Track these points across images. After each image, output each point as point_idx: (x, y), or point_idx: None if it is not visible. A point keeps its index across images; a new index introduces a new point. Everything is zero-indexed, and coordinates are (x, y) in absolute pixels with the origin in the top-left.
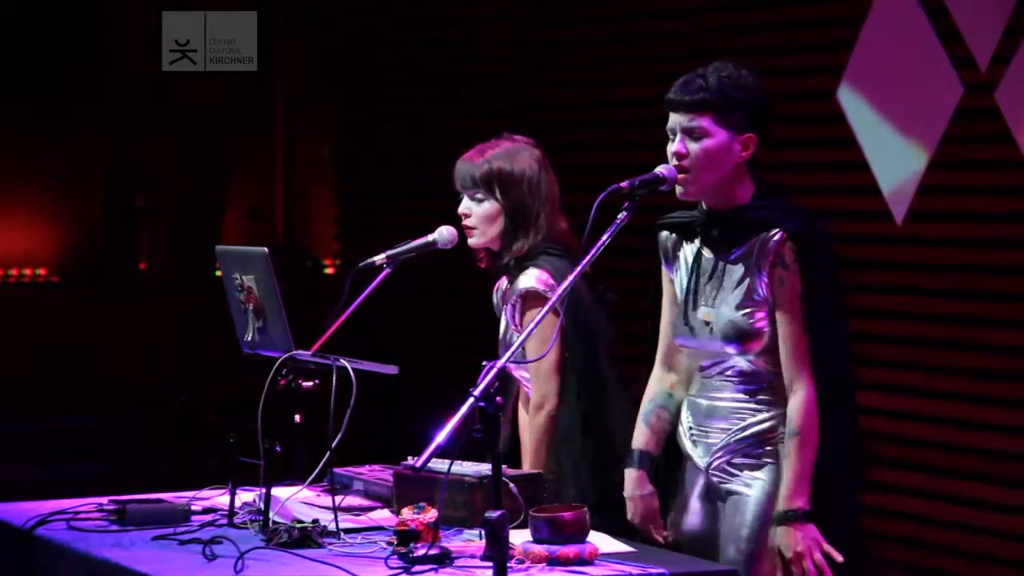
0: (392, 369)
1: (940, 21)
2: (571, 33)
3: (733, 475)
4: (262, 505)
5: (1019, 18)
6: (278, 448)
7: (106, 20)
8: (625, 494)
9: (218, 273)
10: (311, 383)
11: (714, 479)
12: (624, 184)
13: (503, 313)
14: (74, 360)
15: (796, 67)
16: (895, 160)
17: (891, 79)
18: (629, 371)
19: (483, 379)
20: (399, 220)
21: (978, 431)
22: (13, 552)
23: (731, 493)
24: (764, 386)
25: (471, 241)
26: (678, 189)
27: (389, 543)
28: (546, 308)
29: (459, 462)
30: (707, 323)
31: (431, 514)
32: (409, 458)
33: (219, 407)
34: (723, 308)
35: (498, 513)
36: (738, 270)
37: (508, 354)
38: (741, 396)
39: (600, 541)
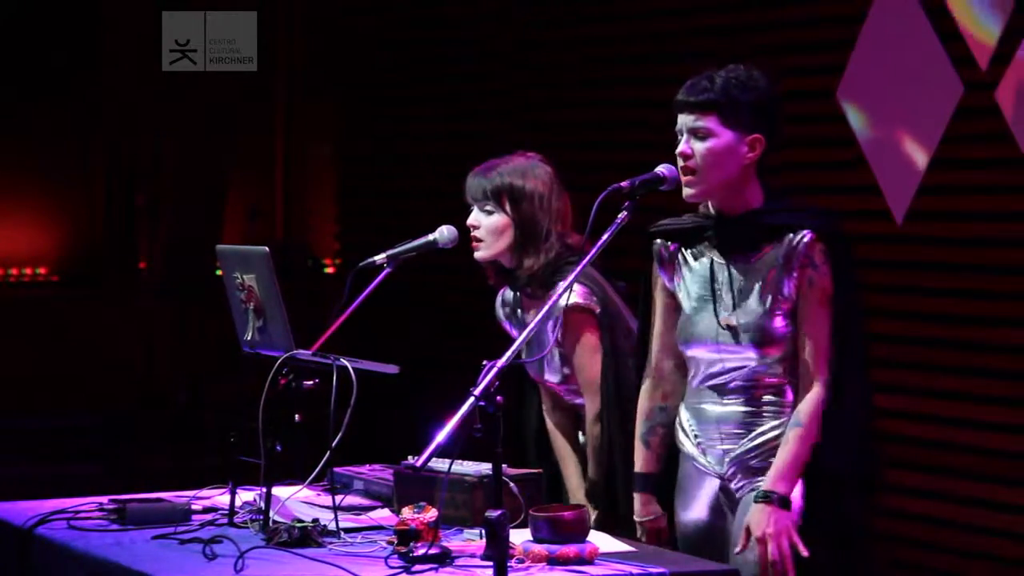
0: (392, 369)
1: (940, 21)
2: (571, 33)
3: (747, 480)
4: (262, 504)
5: (1019, 18)
6: (278, 447)
7: (106, 20)
8: (635, 517)
9: (218, 273)
10: (311, 383)
11: (730, 485)
12: (624, 184)
13: (517, 326)
14: (74, 360)
15: (796, 67)
16: (895, 159)
17: (891, 79)
18: None
19: (483, 379)
20: (399, 220)
21: (978, 430)
22: (13, 551)
23: (745, 493)
24: (776, 393)
25: (477, 254)
26: (685, 190)
27: (389, 542)
28: (546, 308)
29: (459, 461)
30: (728, 328)
31: (431, 513)
32: (409, 458)
33: (219, 407)
34: (747, 312)
35: (498, 512)
36: (760, 274)
37: (509, 353)
38: (755, 403)
39: (600, 541)
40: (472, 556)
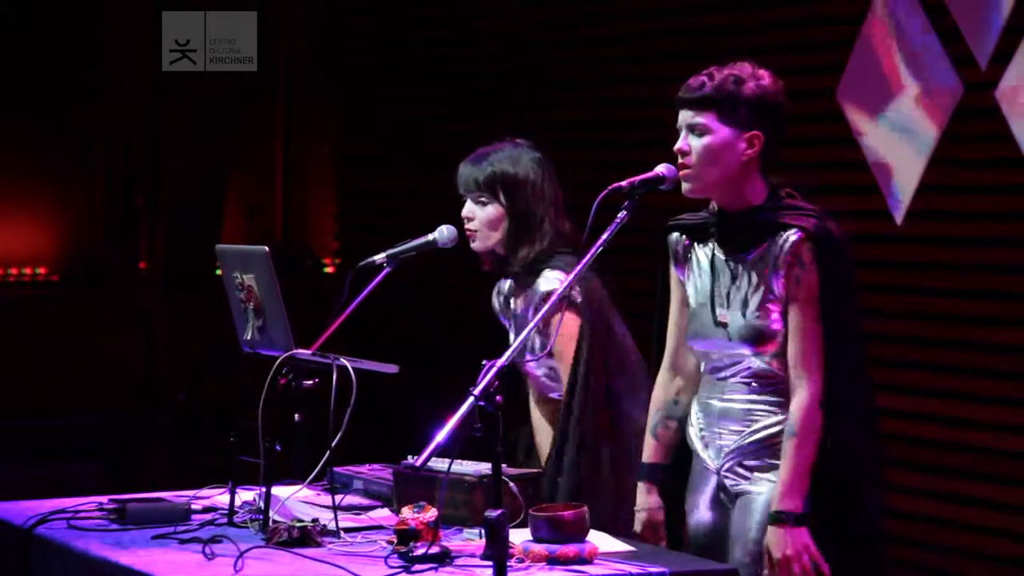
0: (392, 369)
1: (940, 21)
2: (571, 33)
3: (744, 477)
4: (262, 504)
5: (1019, 18)
6: (278, 447)
7: (106, 20)
8: (635, 507)
9: (218, 272)
10: (311, 382)
11: (726, 481)
12: (624, 184)
13: (510, 317)
14: (74, 360)
15: (796, 66)
16: (895, 159)
17: (891, 78)
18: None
19: (483, 378)
20: (399, 220)
21: (978, 430)
22: (13, 551)
23: (741, 494)
24: (777, 388)
25: (474, 245)
26: (683, 186)
27: (389, 542)
28: (546, 307)
29: (459, 461)
30: (724, 324)
31: (431, 513)
32: (409, 457)
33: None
34: (740, 309)
35: (498, 512)
36: (754, 271)
37: (509, 353)
38: (754, 398)
39: (600, 540)
40: (472, 556)
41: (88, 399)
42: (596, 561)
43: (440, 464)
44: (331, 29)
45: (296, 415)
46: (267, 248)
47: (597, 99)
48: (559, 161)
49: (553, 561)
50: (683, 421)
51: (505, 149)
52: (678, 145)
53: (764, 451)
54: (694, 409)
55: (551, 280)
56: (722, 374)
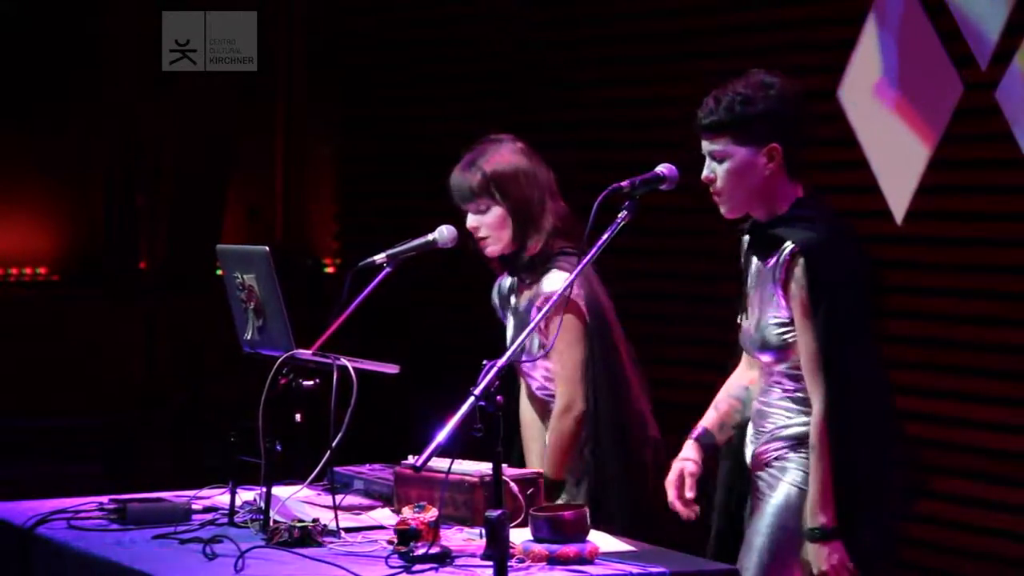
0: (392, 369)
1: (940, 21)
2: (571, 33)
3: (766, 476)
4: (262, 504)
5: (1019, 18)
6: (278, 447)
7: (106, 20)
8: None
9: (218, 272)
10: (311, 382)
11: (756, 479)
12: (624, 184)
13: (511, 315)
14: (74, 360)
15: (796, 67)
16: (895, 159)
17: (891, 78)
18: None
19: (483, 378)
20: (399, 220)
21: (978, 430)
22: (14, 551)
23: (760, 492)
24: (795, 394)
25: (489, 251)
26: (721, 210)
27: (389, 542)
28: (547, 307)
29: (459, 461)
30: (747, 332)
31: (431, 513)
32: (409, 457)
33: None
34: (755, 318)
35: (498, 512)
36: (765, 283)
37: (509, 352)
38: (787, 401)
39: (600, 540)
40: (472, 556)
41: (88, 399)
42: (596, 561)
43: (441, 464)
44: (331, 29)
45: (296, 415)
46: (267, 248)
47: (597, 99)
48: (559, 161)
49: (553, 561)
50: (747, 410)
51: (488, 149)
52: (703, 175)
53: (785, 451)
54: (751, 414)
55: (555, 280)
56: (763, 374)
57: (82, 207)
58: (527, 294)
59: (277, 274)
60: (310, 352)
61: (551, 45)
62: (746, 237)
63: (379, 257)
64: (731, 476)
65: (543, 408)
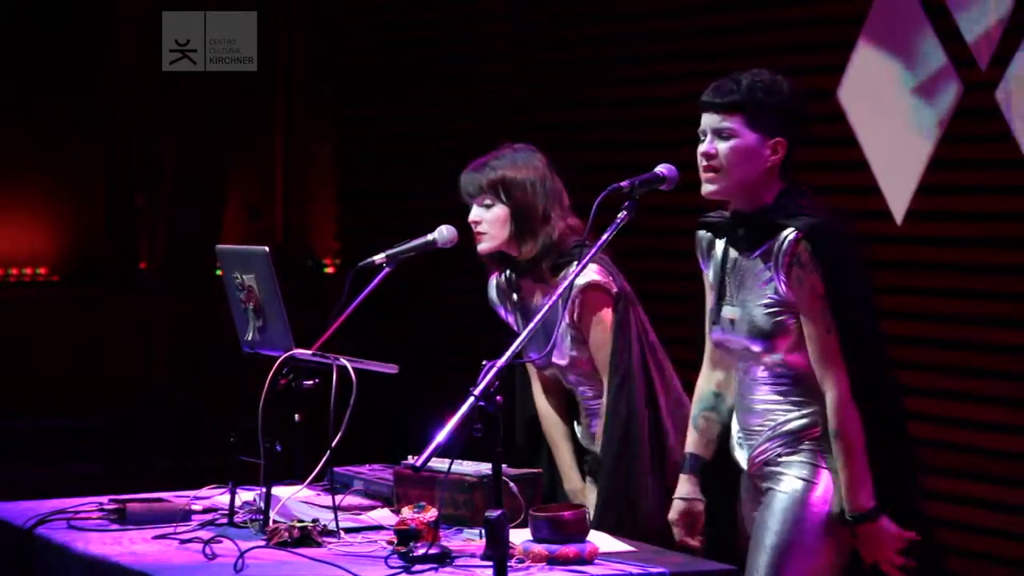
0: (392, 369)
1: (940, 21)
2: (570, 33)
3: (769, 474)
4: (262, 504)
5: (1019, 18)
6: (278, 447)
7: (106, 20)
8: (675, 495)
9: (218, 273)
10: (311, 382)
11: (756, 480)
12: (624, 184)
13: (513, 310)
14: (74, 360)
15: (796, 67)
16: (895, 159)
17: (891, 78)
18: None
19: (483, 378)
20: (399, 220)
21: (978, 431)
22: (13, 552)
23: (767, 490)
24: (796, 384)
25: (481, 247)
26: (705, 187)
27: (389, 542)
28: (546, 307)
29: (459, 461)
30: (732, 321)
31: (431, 513)
32: (409, 457)
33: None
34: (746, 307)
35: (498, 512)
36: (759, 270)
37: (509, 352)
38: (774, 396)
39: (600, 540)
40: (472, 556)
41: (88, 399)
42: (596, 561)
43: (440, 464)
44: (331, 29)
45: (296, 415)
46: (267, 248)
47: (597, 99)
48: (559, 162)
49: (553, 561)
50: (723, 417)
51: (506, 154)
52: (704, 148)
53: (786, 448)
54: (734, 415)
55: (586, 273)
56: (744, 374)
57: (82, 207)
58: (539, 293)
59: (277, 274)
60: (310, 352)
61: (551, 45)
62: (702, 232)
63: (379, 257)
64: (716, 476)
65: (563, 401)
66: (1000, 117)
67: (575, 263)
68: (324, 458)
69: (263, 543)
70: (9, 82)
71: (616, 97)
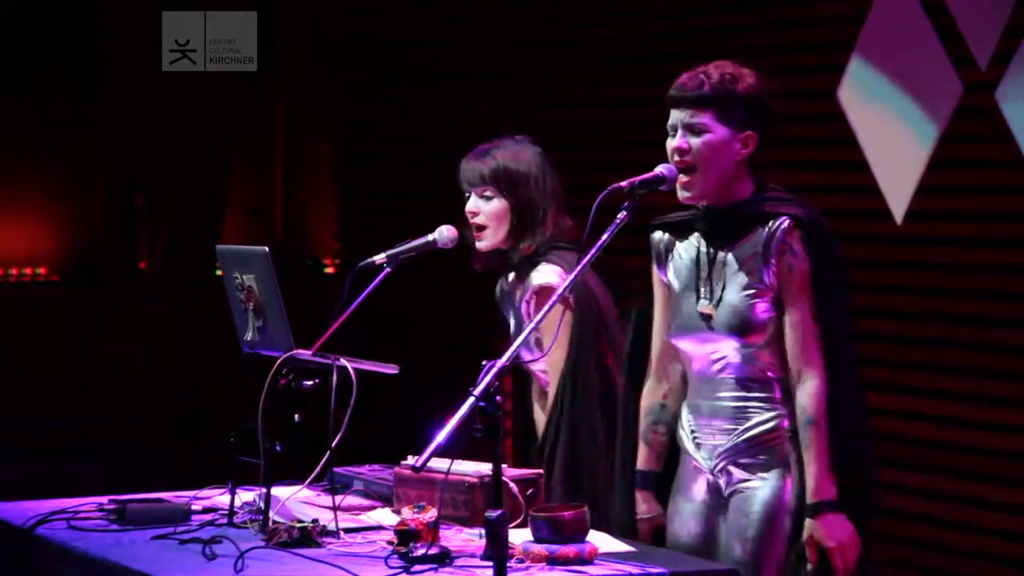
0: (392, 369)
1: (940, 21)
2: (571, 33)
3: (737, 476)
4: (262, 505)
5: (1019, 18)
6: (278, 448)
7: (106, 20)
8: (638, 515)
9: (218, 273)
10: (311, 383)
11: (719, 480)
12: (624, 184)
13: (511, 310)
14: (74, 360)
15: (796, 67)
16: (895, 159)
17: (891, 79)
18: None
19: (483, 379)
20: (399, 220)
21: (978, 431)
22: (13, 552)
23: (735, 492)
24: (765, 384)
25: (481, 244)
26: (681, 193)
27: (389, 543)
28: (547, 306)
29: (459, 461)
30: (707, 316)
31: (431, 514)
32: (409, 458)
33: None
34: (726, 299)
35: (498, 513)
36: (740, 261)
37: (509, 353)
38: (742, 395)
39: (600, 541)
40: (472, 556)
41: (88, 399)
42: (596, 561)
43: (440, 464)
44: (331, 29)
45: (296, 416)
46: (267, 249)
47: (597, 99)
48: (559, 162)
49: (553, 561)
50: (671, 425)
51: (507, 144)
52: (676, 143)
53: (757, 449)
54: (684, 412)
55: (544, 273)
56: (709, 372)
57: (82, 207)
58: (519, 289)
59: (277, 274)
60: (310, 352)
61: (551, 45)
62: (658, 234)
63: (379, 257)
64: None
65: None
66: (1000, 117)
67: (543, 263)
68: (324, 458)
69: (263, 543)
70: (9, 82)
71: (616, 97)
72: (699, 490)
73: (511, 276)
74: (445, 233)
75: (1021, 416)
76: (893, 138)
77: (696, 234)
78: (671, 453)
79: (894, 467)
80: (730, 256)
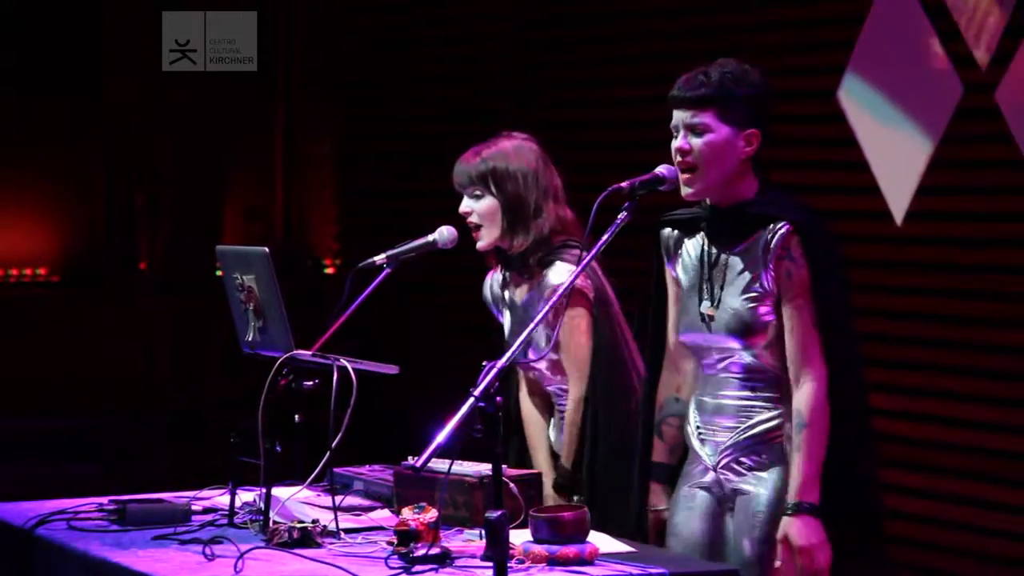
0: (392, 369)
1: (940, 21)
2: (571, 33)
3: (741, 474)
4: (262, 505)
5: (1019, 18)
6: (278, 448)
7: (106, 20)
8: (650, 506)
9: (218, 273)
10: (311, 383)
11: (721, 477)
12: (624, 184)
13: (504, 307)
14: (74, 360)
15: (796, 67)
16: (895, 160)
17: (891, 79)
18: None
19: (483, 379)
20: (399, 220)
21: (978, 431)
22: (13, 552)
23: (739, 492)
24: (769, 383)
25: (480, 245)
26: (683, 189)
27: (389, 543)
28: (548, 306)
29: (459, 462)
30: (710, 317)
31: (431, 514)
32: (409, 458)
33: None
34: (727, 301)
35: (498, 513)
36: (742, 264)
37: (510, 353)
38: (746, 393)
39: (600, 541)
40: (472, 557)
41: (88, 399)
42: (596, 562)
43: (440, 465)
44: (331, 29)
45: (296, 416)
46: (267, 249)
47: (597, 99)
48: (559, 162)
49: (553, 562)
50: (682, 416)
51: (499, 143)
52: (679, 144)
53: (760, 447)
54: (691, 407)
55: (561, 272)
56: (714, 370)
57: (82, 207)
58: (524, 287)
59: (277, 275)
60: (310, 353)
61: (551, 45)
62: (667, 230)
63: (379, 258)
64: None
65: (546, 402)
66: (1000, 118)
67: (558, 262)
68: (324, 459)
69: (263, 544)
70: (9, 82)
71: (616, 97)
72: (702, 485)
73: (506, 273)
74: (445, 233)
75: (1021, 416)
76: (893, 138)
77: (702, 233)
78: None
79: (894, 467)
80: (732, 258)
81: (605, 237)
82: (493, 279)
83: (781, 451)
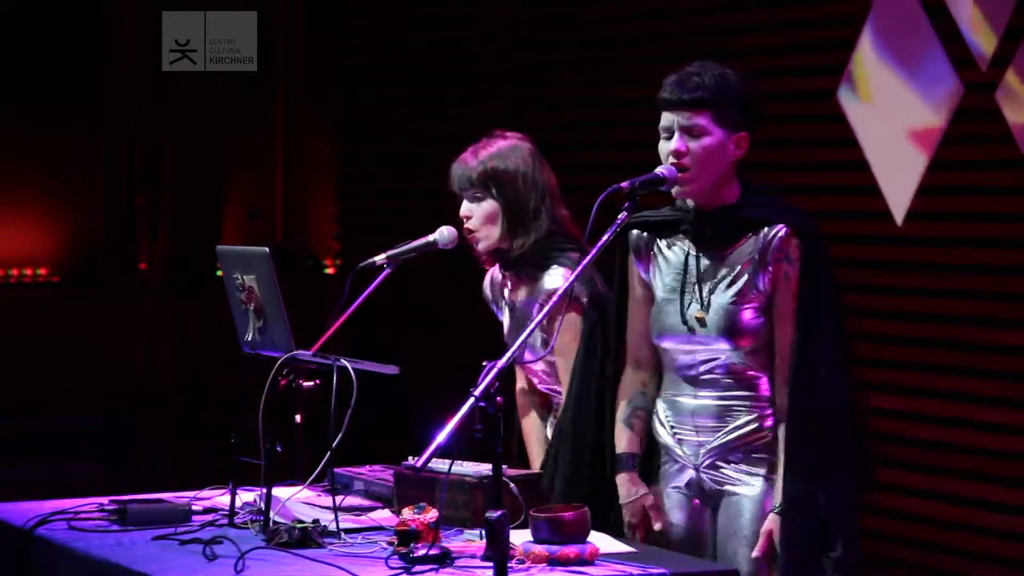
0: (392, 369)
1: (940, 21)
2: (571, 33)
3: (726, 475)
4: (263, 505)
5: (1019, 18)
6: (278, 448)
7: (106, 20)
8: (620, 500)
9: (219, 273)
10: (312, 383)
11: (704, 476)
12: (624, 184)
13: (503, 306)
14: (74, 360)
15: (796, 67)
16: (895, 160)
17: (891, 79)
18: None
19: (483, 379)
20: (399, 220)
21: (978, 431)
22: (13, 552)
23: (724, 493)
24: (751, 385)
25: (479, 247)
26: (675, 189)
27: (389, 543)
28: (549, 305)
29: (459, 462)
30: (699, 320)
31: (431, 514)
32: (409, 458)
33: (219, 407)
34: (717, 304)
35: (498, 513)
36: (733, 266)
37: (509, 354)
38: (729, 395)
39: (600, 541)
40: (472, 557)
41: (88, 399)
42: (596, 562)
43: (440, 465)
44: (331, 29)
45: (297, 416)
46: (267, 249)
47: (597, 99)
48: (559, 162)
49: (553, 562)
50: (649, 409)
51: (495, 144)
52: (674, 146)
53: (744, 449)
54: (660, 406)
55: (557, 277)
56: (692, 372)
57: (82, 207)
58: (524, 289)
59: (277, 275)
60: (310, 353)
61: (551, 45)
62: (636, 232)
63: (379, 258)
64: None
65: (543, 402)
66: (1000, 118)
67: (555, 266)
68: (324, 459)
69: (263, 544)
70: (8, 82)
71: (616, 97)
72: (682, 484)
73: (506, 273)
74: (446, 233)
75: (1021, 416)
76: (893, 138)
77: (682, 236)
78: (649, 451)
79: (894, 467)
80: (721, 260)
81: (605, 238)
82: (492, 277)
83: (764, 451)
